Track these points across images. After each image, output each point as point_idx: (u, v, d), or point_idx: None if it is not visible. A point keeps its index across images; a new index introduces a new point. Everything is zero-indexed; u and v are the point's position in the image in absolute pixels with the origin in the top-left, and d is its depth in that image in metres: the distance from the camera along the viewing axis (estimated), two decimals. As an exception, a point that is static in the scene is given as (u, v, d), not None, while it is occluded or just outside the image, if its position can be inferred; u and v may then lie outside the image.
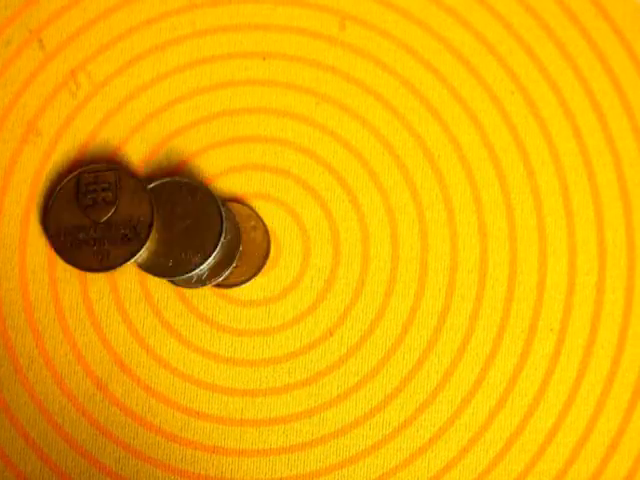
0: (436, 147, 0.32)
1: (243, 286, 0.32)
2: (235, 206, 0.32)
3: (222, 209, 0.31)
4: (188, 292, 0.31)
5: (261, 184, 0.32)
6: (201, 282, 0.31)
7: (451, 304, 0.32)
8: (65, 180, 0.31)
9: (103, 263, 0.31)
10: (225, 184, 0.32)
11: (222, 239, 0.31)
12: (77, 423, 0.31)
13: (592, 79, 0.33)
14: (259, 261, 0.32)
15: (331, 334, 0.32)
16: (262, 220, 0.32)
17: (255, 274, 0.32)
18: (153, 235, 0.31)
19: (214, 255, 0.30)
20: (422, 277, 0.32)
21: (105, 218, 0.31)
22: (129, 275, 0.32)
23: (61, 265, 0.31)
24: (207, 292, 0.32)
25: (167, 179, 0.31)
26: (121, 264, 0.30)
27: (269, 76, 0.32)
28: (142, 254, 0.31)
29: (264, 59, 0.32)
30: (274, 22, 0.33)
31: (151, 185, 0.31)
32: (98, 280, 0.31)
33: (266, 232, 0.32)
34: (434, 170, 0.32)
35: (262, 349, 0.31)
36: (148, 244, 0.30)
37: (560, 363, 0.32)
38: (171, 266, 0.31)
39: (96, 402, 0.31)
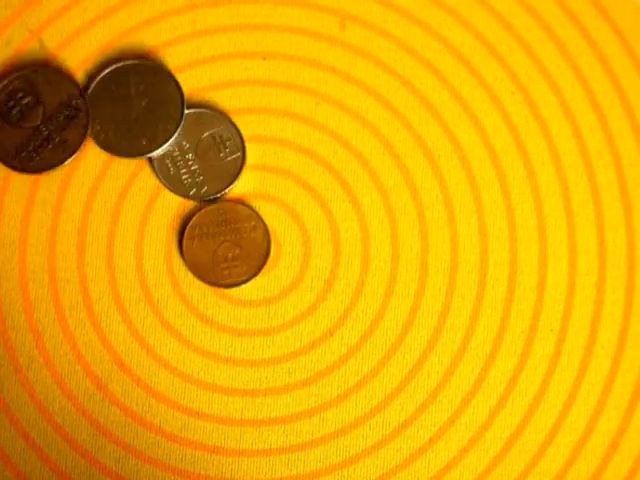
0: (436, 147, 0.32)
1: (243, 286, 0.32)
2: (235, 206, 0.32)
3: (177, 80, 0.31)
4: (188, 292, 0.31)
5: (261, 184, 0.32)
6: (199, 195, 0.31)
7: (451, 304, 0.32)
8: None
9: (67, 151, 0.31)
10: (225, 184, 0.32)
11: (185, 107, 0.31)
12: (77, 423, 0.31)
13: (592, 79, 0.33)
14: (259, 261, 0.32)
15: (331, 334, 0.32)
16: (262, 220, 0.32)
17: (255, 274, 0.31)
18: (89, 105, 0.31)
19: (181, 124, 0.31)
20: (422, 277, 0.32)
21: (41, 118, 0.31)
22: (129, 275, 0.32)
23: (61, 265, 0.31)
24: (207, 292, 0.32)
25: (113, 66, 0.31)
26: (83, 141, 0.31)
27: (269, 76, 0.32)
28: (94, 124, 0.31)
29: (264, 59, 0.32)
30: (274, 22, 0.33)
31: (101, 74, 0.31)
32: (98, 280, 0.31)
33: (266, 232, 0.32)
34: (434, 170, 0.32)
35: (262, 349, 0.31)
36: (91, 112, 0.31)
37: (560, 363, 0.32)
38: (146, 144, 0.31)
39: (96, 402, 0.31)
